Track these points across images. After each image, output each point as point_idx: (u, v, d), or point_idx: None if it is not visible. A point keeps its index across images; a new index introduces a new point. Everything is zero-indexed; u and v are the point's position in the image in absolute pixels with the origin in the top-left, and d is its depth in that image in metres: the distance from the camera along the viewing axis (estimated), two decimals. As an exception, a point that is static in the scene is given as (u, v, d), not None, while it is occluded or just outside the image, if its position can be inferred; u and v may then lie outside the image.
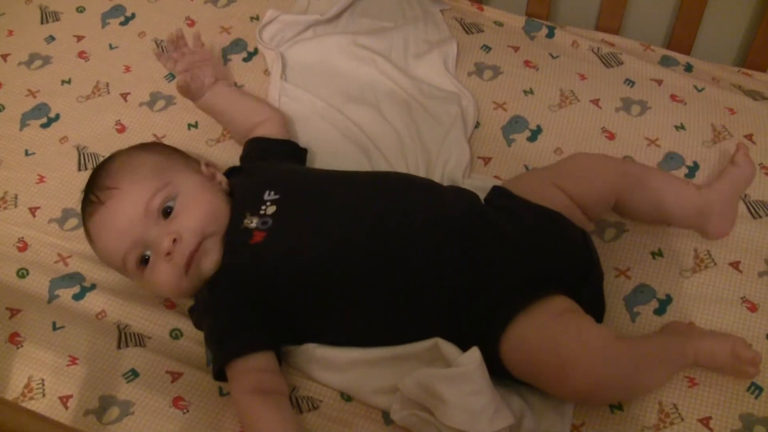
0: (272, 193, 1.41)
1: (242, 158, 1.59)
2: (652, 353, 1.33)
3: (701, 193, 1.48)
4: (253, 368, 1.32)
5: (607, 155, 1.56)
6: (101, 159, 1.54)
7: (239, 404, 1.31)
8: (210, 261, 1.39)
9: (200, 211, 1.40)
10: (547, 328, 1.26)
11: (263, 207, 1.39)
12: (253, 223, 1.38)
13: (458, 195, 1.46)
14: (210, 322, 1.40)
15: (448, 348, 1.29)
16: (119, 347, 1.43)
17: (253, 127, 1.62)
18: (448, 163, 1.62)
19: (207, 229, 1.39)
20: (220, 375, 1.35)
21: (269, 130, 1.61)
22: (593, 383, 1.23)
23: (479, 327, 1.30)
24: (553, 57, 1.82)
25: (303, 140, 1.66)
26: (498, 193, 1.46)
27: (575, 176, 1.45)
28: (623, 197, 1.45)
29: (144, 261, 1.39)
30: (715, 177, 1.55)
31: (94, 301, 1.49)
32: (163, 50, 1.82)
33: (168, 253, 1.36)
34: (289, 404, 1.34)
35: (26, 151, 1.72)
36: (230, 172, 1.52)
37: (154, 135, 1.72)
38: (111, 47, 1.88)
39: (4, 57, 1.88)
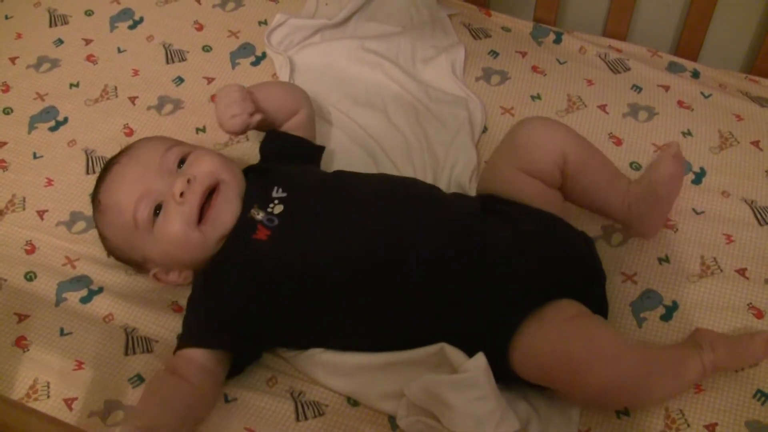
0: (280, 190, 1.42)
1: (261, 149, 1.58)
2: (667, 362, 1.32)
3: (630, 189, 1.43)
4: (191, 358, 1.34)
5: (554, 122, 1.49)
6: (109, 162, 1.55)
7: (152, 377, 1.35)
8: (228, 213, 1.39)
9: (214, 159, 1.44)
10: (559, 334, 1.26)
11: (271, 205, 1.40)
12: (259, 215, 1.39)
13: (461, 201, 1.47)
14: (191, 303, 1.42)
15: (454, 353, 1.29)
16: (126, 353, 1.43)
17: (288, 119, 1.60)
18: (455, 167, 1.62)
19: (221, 174, 1.41)
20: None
21: (295, 123, 1.59)
22: (605, 387, 1.23)
23: (486, 332, 1.30)
24: (560, 62, 1.83)
25: (310, 144, 1.66)
26: (490, 200, 1.45)
27: (527, 151, 1.42)
28: (568, 173, 1.42)
29: (156, 213, 1.39)
30: (642, 174, 1.46)
31: (101, 305, 1.49)
32: (171, 54, 1.84)
33: (182, 194, 1.37)
34: (196, 399, 1.32)
35: (34, 154, 1.72)
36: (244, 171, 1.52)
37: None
38: (119, 51, 1.89)
39: (13, 60, 1.88)
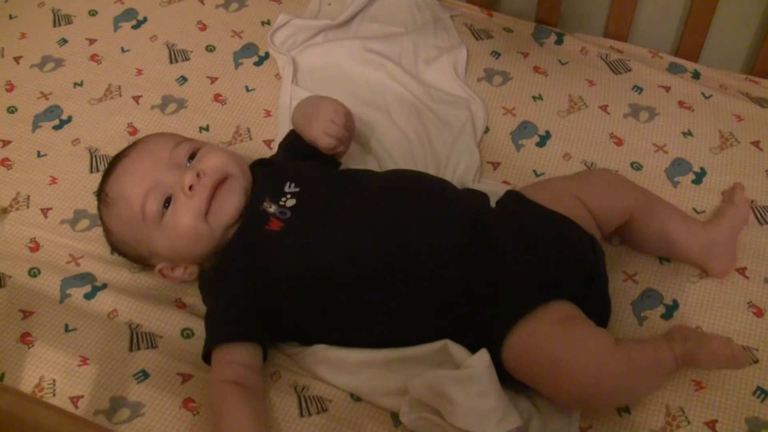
0: (293, 185, 1.43)
1: (280, 145, 1.60)
2: (645, 360, 1.31)
3: (706, 231, 1.49)
4: (235, 360, 1.34)
5: (626, 178, 1.55)
6: (113, 161, 1.56)
7: (215, 391, 1.33)
8: (232, 204, 1.40)
9: (222, 155, 1.45)
10: (546, 336, 1.27)
11: (283, 198, 1.41)
12: (271, 208, 1.39)
13: (471, 197, 1.47)
14: (210, 303, 1.43)
15: (457, 350, 1.30)
16: (131, 349, 1.44)
17: None
18: (458, 167, 1.63)
19: (230, 169, 1.42)
20: (207, 357, 1.37)
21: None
22: (589, 392, 1.24)
23: (483, 330, 1.31)
24: (561, 63, 1.84)
25: (313, 144, 1.66)
26: (511, 197, 1.47)
27: (596, 190, 1.47)
28: (634, 221, 1.47)
29: (165, 206, 1.40)
30: (714, 216, 1.55)
31: (105, 301, 1.50)
32: (174, 55, 1.86)
33: (191, 188, 1.38)
34: (262, 403, 1.34)
35: (38, 153, 1.73)
36: (254, 165, 1.53)
37: (164, 136, 1.73)
38: (123, 50, 1.90)
39: (17, 59, 1.89)
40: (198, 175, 1.39)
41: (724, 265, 1.49)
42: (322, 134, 1.51)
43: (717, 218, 1.53)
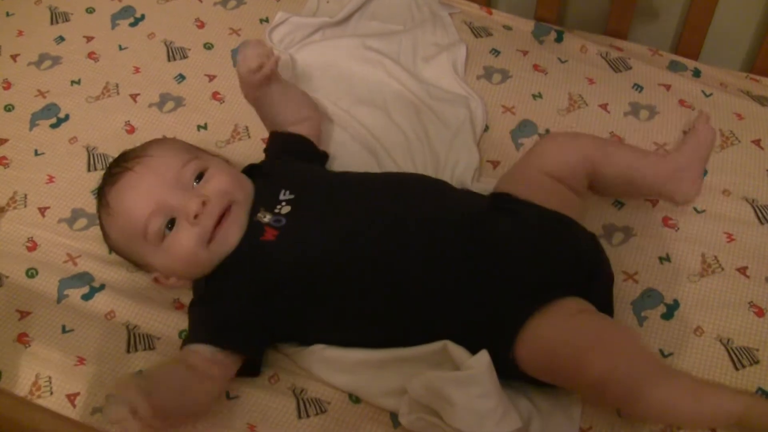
0: (287, 192, 1.42)
1: (266, 150, 1.61)
2: (683, 375, 1.31)
3: (669, 158, 1.54)
4: (198, 351, 1.34)
5: (580, 132, 1.59)
6: (111, 160, 1.54)
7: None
8: (234, 232, 1.39)
9: (228, 177, 1.43)
10: (566, 325, 1.27)
11: (278, 206, 1.40)
12: (266, 218, 1.39)
13: (470, 198, 1.47)
14: (196, 307, 1.42)
15: (456, 350, 1.29)
16: (128, 350, 1.43)
17: (295, 123, 1.61)
18: (457, 166, 1.62)
19: (234, 194, 1.41)
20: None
21: (305, 129, 1.60)
22: (607, 371, 1.21)
23: (488, 330, 1.31)
24: (561, 61, 1.83)
25: (312, 142, 1.66)
26: (502, 198, 1.46)
27: (554, 154, 1.48)
28: (597, 168, 1.48)
29: (168, 228, 1.39)
30: (678, 144, 1.60)
31: (103, 301, 1.49)
32: (172, 52, 1.86)
33: (196, 216, 1.36)
34: (197, 380, 1.30)
35: (36, 151, 1.72)
36: (247, 170, 1.52)
37: (164, 136, 1.72)
38: (120, 48, 1.89)
39: (14, 57, 1.88)
40: (204, 203, 1.38)
41: (689, 188, 1.54)
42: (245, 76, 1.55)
43: (680, 145, 1.58)
